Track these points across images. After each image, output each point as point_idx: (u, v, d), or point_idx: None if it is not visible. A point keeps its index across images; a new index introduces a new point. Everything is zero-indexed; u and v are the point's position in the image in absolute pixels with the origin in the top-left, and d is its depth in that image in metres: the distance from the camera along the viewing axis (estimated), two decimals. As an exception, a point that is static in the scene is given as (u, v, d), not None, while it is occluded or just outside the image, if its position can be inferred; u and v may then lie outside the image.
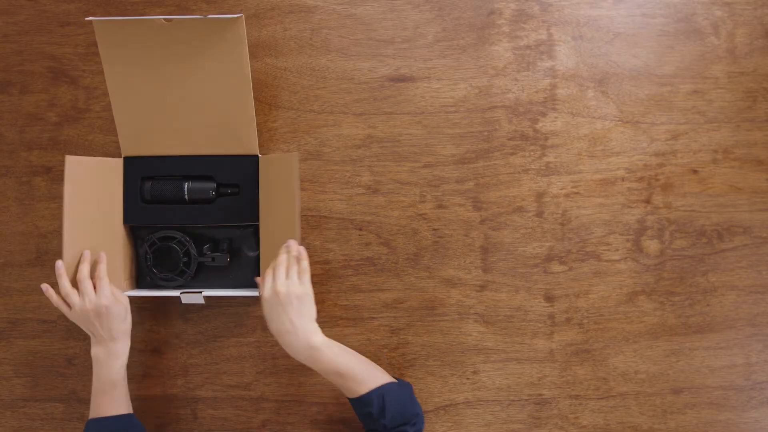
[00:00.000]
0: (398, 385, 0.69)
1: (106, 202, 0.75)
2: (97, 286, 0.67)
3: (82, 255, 0.69)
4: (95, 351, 0.69)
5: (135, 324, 0.79)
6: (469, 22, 0.79)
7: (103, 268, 0.69)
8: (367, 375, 0.67)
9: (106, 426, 0.69)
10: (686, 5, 0.79)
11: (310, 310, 0.66)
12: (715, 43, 0.79)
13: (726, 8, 0.79)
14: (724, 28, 0.79)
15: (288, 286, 0.64)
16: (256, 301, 0.80)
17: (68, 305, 0.67)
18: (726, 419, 0.79)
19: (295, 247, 0.67)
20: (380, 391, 0.65)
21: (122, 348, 0.70)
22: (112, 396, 0.69)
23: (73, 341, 0.80)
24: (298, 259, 0.67)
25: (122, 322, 0.69)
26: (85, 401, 0.80)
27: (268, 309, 0.64)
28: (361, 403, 0.66)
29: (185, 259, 0.75)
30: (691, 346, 0.79)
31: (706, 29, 0.79)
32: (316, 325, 0.66)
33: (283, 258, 0.66)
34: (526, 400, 0.79)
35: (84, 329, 0.69)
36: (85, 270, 0.68)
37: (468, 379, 0.79)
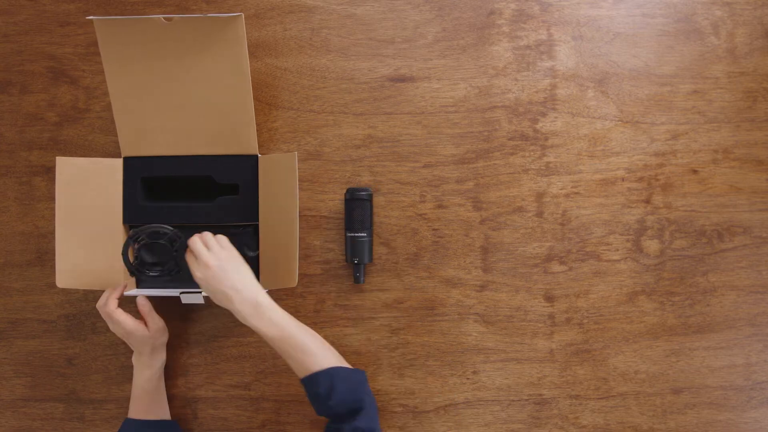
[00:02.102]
0: (350, 369, 0.66)
1: (105, 202, 0.75)
2: (112, 319, 0.71)
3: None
4: (133, 359, 0.75)
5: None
6: (469, 22, 0.79)
7: (110, 304, 0.71)
8: (317, 350, 0.65)
9: (142, 427, 0.73)
10: (686, 5, 0.79)
11: (247, 271, 0.66)
12: (715, 43, 0.79)
13: (726, 8, 0.79)
14: (724, 28, 0.79)
15: (216, 256, 0.65)
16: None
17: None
18: (726, 419, 0.79)
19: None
20: (330, 372, 0.63)
21: (149, 361, 0.74)
22: (144, 401, 0.74)
23: (73, 341, 0.80)
24: (211, 234, 0.68)
25: (147, 341, 0.72)
26: (85, 401, 0.80)
27: (207, 286, 0.64)
28: (310, 382, 0.63)
29: (175, 254, 0.73)
30: (691, 346, 0.79)
31: (706, 29, 0.79)
32: (258, 285, 0.66)
33: (194, 238, 0.67)
34: (526, 400, 0.79)
35: None
36: (99, 304, 0.71)
37: (468, 379, 0.79)
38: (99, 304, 0.71)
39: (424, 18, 0.79)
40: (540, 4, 0.79)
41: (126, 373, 0.80)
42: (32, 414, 0.81)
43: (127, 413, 0.79)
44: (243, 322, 0.64)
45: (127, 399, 0.80)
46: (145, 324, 0.72)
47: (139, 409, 0.74)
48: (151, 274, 0.73)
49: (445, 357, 0.79)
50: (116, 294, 0.72)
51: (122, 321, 0.70)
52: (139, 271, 0.73)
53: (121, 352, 0.80)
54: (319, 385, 0.62)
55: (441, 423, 0.79)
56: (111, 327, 0.72)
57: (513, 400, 0.79)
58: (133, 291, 0.76)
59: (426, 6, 0.79)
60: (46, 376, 0.81)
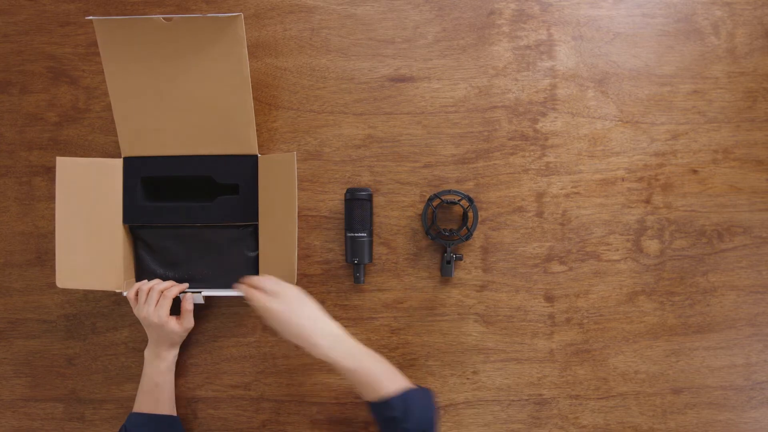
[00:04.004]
0: (420, 390, 0.66)
1: (105, 202, 0.75)
2: (159, 302, 0.73)
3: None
4: (146, 352, 0.76)
5: (134, 324, 0.80)
6: (469, 22, 0.79)
7: (173, 291, 0.74)
8: (387, 375, 0.65)
9: (146, 421, 0.73)
10: (686, 5, 0.79)
11: (315, 303, 0.67)
12: (715, 43, 0.79)
13: (726, 8, 0.79)
14: (724, 28, 0.79)
15: (287, 294, 0.66)
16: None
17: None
18: (726, 419, 0.79)
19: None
20: (404, 396, 0.63)
21: (166, 353, 0.75)
22: (154, 395, 0.74)
23: (73, 341, 0.81)
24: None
25: (171, 336, 0.74)
26: (85, 401, 0.80)
27: (286, 323, 0.64)
28: (384, 406, 0.63)
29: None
30: (691, 346, 0.79)
31: (706, 29, 0.79)
32: (328, 316, 0.67)
33: (252, 280, 0.67)
34: (526, 400, 0.79)
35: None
36: (149, 285, 0.73)
37: (468, 379, 0.79)
38: (158, 287, 0.73)
39: (424, 18, 0.79)
40: (540, 4, 0.79)
41: (126, 373, 0.80)
42: (32, 414, 0.81)
43: (127, 413, 0.79)
44: (317, 355, 0.64)
45: (127, 399, 0.80)
46: (179, 320, 0.75)
47: (147, 403, 0.74)
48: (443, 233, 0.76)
49: (445, 357, 0.79)
50: (182, 287, 0.75)
51: (167, 309, 0.73)
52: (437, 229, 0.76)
53: (121, 352, 0.80)
54: (394, 409, 0.62)
55: (441, 423, 0.79)
56: (145, 311, 0.72)
57: (513, 400, 0.79)
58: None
59: (426, 6, 0.79)
60: (46, 376, 0.81)
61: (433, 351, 0.79)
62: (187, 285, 0.76)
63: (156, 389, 0.74)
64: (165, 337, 0.74)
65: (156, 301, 0.72)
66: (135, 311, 0.74)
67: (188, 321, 0.76)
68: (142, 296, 0.72)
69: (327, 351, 0.63)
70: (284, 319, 0.64)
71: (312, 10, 0.80)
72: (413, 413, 0.62)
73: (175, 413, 0.77)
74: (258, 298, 0.65)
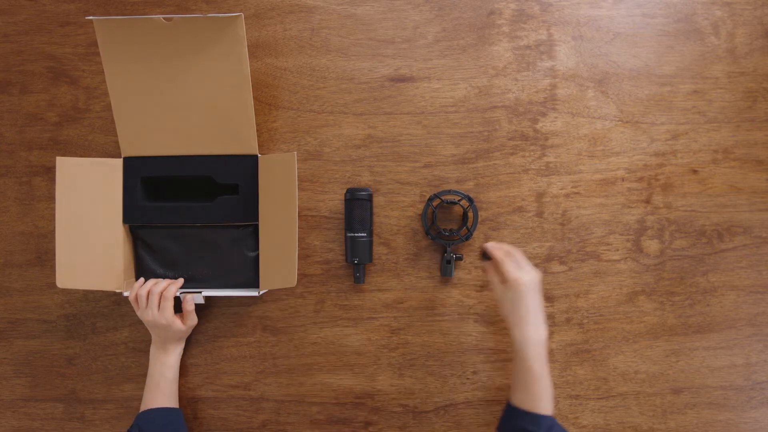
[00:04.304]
0: (560, 426, 0.66)
1: (105, 202, 0.75)
2: (161, 305, 0.73)
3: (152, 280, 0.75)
4: (152, 349, 0.77)
5: (134, 324, 0.80)
6: (469, 22, 0.79)
7: (171, 290, 0.74)
8: (548, 395, 0.65)
9: (155, 417, 0.73)
10: (686, 5, 0.79)
11: (542, 299, 0.67)
12: (715, 43, 0.79)
13: (726, 8, 0.79)
14: (724, 28, 0.79)
15: (532, 276, 0.66)
16: (256, 300, 0.80)
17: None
18: (726, 419, 0.79)
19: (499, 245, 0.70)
20: (550, 422, 0.63)
21: (174, 347, 0.77)
22: (163, 389, 0.75)
23: (73, 341, 0.81)
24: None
25: (177, 333, 0.75)
26: (85, 401, 0.80)
27: (519, 297, 0.65)
28: (530, 419, 0.63)
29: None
30: (691, 346, 0.79)
31: (706, 29, 0.79)
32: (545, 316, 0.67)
33: (504, 246, 0.69)
34: (526, 400, 0.79)
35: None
36: (154, 286, 0.73)
37: (468, 379, 0.79)
38: (156, 290, 0.73)
39: (424, 18, 0.79)
40: (540, 4, 0.79)
41: (126, 373, 0.80)
42: (32, 414, 0.81)
43: (127, 413, 0.79)
44: (518, 344, 0.64)
45: (127, 399, 0.80)
46: (181, 320, 0.76)
47: (156, 399, 0.74)
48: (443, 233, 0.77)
49: (445, 357, 0.79)
50: (178, 284, 0.75)
51: (171, 309, 0.73)
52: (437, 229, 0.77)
53: (121, 352, 0.80)
54: (539, 426, 0.62)
55: (441, 423, 0.79)
56: (150, 315, 0.72)
57: (513, 400, 0.79)
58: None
59: (426, 6, 0.79)
60: (46, 376, 0.81)
61: (433, 351, 0.79)
62: (182, 280, 0.76)
63: (164, 383, 0.75)
64: (172, 335, 0.75)
65: (157, 304, 0.72)
66: (139, 315, 0.74)
67: (192, 319, 0.76)
68: (142, 301, 0.73)
69: (530, 345, 0.64)
70: (521, 295, 0.64)
71: (312, 10, 0.80)
72: None
73: (177, 405, 0.77)
74: (509, 266, 0.66)
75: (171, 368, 0.76)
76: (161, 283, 0.74)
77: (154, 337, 0.76)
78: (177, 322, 0.74)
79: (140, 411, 0.74)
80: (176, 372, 0.77)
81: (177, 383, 0.77)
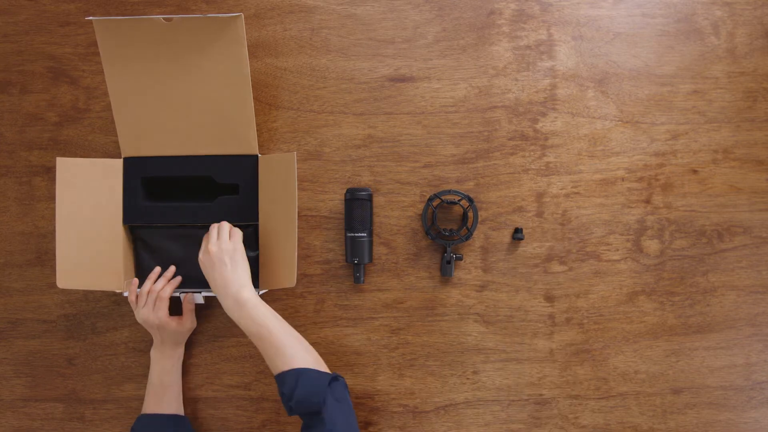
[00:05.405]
0: (318, 372, 0.63)
1: (105, 202, 0.75)
2: (156, 304, 0.73)
3: (153, 271, 0.76)
4: (152, 352, 0.76)
5: (134, 324, 0.80)
6: (469, 22, 0.79)
7: (167, 291, 0.73)
8: (293, 350, 0.64)
9: (154, 422, 0.73)
10: (686, 5, 0.79)
11: (243, 267, 0.69)
12: (715, 43, 0.79)
13: (726, 8, 0.79)
14: (724, 28, 0.79)
15: (219, 245, 0.68)
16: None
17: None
18: (726, 419, 0.79)
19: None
20: (296, 372, 0.62)
21: (171, 352, 0.76)
22: (161, 395, 0.75)
23: (73, 341, 0.81)
24: (230, 226, 0.71)
25: (174, 336, 0.75)
26: (85, 401, 0.80)
27: (204, 269, 0.68)
28: (279, 380, 0.63)
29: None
30: (691, 346, 0.79)
31: (706, 29, 0.79)
32: (247, 281, 0.68)
33: (215, 224, 0.71)
34: (526, 400, 0.79)
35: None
36: (148, 286, 0.74)
37: (468, 379, 0.79)
38: (155, 288, 0.73)
39: (424, 18, 0.79)
40: (540, 4, 0.79)
41: (126, 373, 0.80)
42: (32, 414, 0.81)
43: (127, 413, 0.79)
44: (227, 313, 0.67)
45: (127, 399, 0.80)
46: (179, 320, 0.75)
47: (155, 403, 0.74)
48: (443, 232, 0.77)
49: (445, 357, 0.79)
50: (175, 284, 0.75)
51: (165, 309, 0.73)
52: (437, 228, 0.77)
53: (121, 352, 0.80)
54: (284, 384, 0.62)
55: (441, 423, 0.79)
56: (143, 313, 0.72)
57: (513, 400, 0.79)
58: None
59: (426, 6, 0.79)
60: (46, 376, 0.81)
61: (433, 351, 0.79)
62: (180, 279, 0.76)
63: (163, 388, 0.75)
64: (168, 337, 0.74)
65: (153, 303, 0.72)
66: (135, 315, 0.74)
67: (190, 321, 0.76)
68: (142, 299, 0.73)
69: (230, 310, 0.66)
70: (205, 269, 0.68)
71: (312, 10, 0.80)
72: (298, 391, 0.60)
73: (182, 412, 0.77)
74: (203, 242, 0.69)
75: (169, 374, 0.75)
76: (159, 283, 0.74)
77: (154, 340, 0.76)
78: (172, 323, 0.74)
79: (140, 414, 0.74)
80: (176, 377, 0.76)
81: (179, 389, 0.77)
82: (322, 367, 0.65)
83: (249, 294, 0.66)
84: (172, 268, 0.76)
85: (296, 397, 0.60)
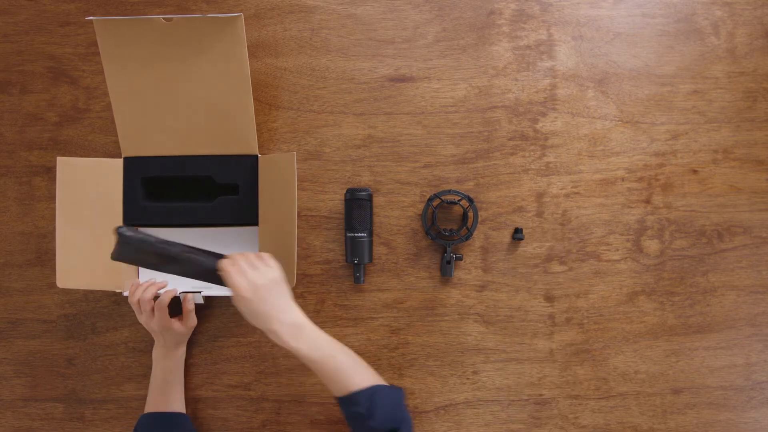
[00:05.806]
0: (389, 387, 0.65)
1: (105, 202, 0.75)
2: (155, 312, 0.72)
3: (132, 284, 0.74)
4: (154, 352, 0.76)
5: (134, 324, 0.80)
6: (469, 22, 0.79)
7: (164, 299, 0.72)
8: (355, 370, 0.64)
9: (157, 420, 0.73)
10: (686, 5, 0.79)
11: (287, 290, 0.65)
12: (715, 43, 0.79)
13: (726, 8, 0.79)
14: (724, 28, 0.79)
15: (263, 275, 0.62)
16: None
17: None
18: (726, 419, 0.79)
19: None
20: (370, 391, 0.62)
21: (174, 352, 0.76)
22: (164, 394, 0.75)
23: (73, 341, 0.80)
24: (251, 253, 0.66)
25: (176, 336, 0.75)
26: (85, 401, 0.80)
27: (249, 305, 0.61)
28: (350, 401, 0.62)
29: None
30: (691, 346, 0.79)
31: (706, 29, 0.79)
32: (295, 304, 0.65)
33: (236, 255, 0.65)
34: (526, 400, 0.79)
35: None
36: (146, 293, 0.72)
37: (468, 379, 0.79)
38: (146, 296, 0.71)
39: (424, 18, 0.79)
40: (540, 4, 0.79)
41: (126, 373, 0.80)
42: (32, 414, 0.81)
43: (127, 413, 0.79)
44: (280, 343, 0.62)
45: (127, 399, 0.80)
46: (180, 320, 0.75)
47: (157, 402, 0.74)
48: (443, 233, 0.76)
49: (445, 357, 0.79)
50: (172, 293, 0.73)
51: (165, 315, 0.72)
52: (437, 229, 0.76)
53: (121, 352, 0.80)
54: (359, 404, 0.61)
55: (441, 423, 0.79)
56: (144, 320, 0.72)
57: (513, 400, 0.79)
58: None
59: (426, 6, 0.79)
60: (46, 376, 0.81)
61: (433, 351, 0.79)
62: (177, 290, 0.74)
63: (166, 387, 0.75)
64: (171, 338, 0.75)
65: (151, 310, 0.72)
66: (138, 318, 0.74)
67: (191, 320, 0.76)
68: (144, 305, 0.72)
69: (287, 339, 0.61)
70: (246, 301, 0.61)
71: (312, 10, 0.80)
72: (379, 410, 0.60)
73: (184, 411, 0.77)
74: (231, 274, 0.61)
75: (172, 373, 0.76)
76: (152, 289, 0.72)
77: (155, 341, 0.76)
78: (175, 325, 0.74)
79: (142, 413, 0.74)
80: (178, 376, 0.77)
81: (181, 387, 0.77)
82: (383, 381, 0.66)
83: (303, 318, 0.64)
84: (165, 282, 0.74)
85: (378, 416, 0.60)
